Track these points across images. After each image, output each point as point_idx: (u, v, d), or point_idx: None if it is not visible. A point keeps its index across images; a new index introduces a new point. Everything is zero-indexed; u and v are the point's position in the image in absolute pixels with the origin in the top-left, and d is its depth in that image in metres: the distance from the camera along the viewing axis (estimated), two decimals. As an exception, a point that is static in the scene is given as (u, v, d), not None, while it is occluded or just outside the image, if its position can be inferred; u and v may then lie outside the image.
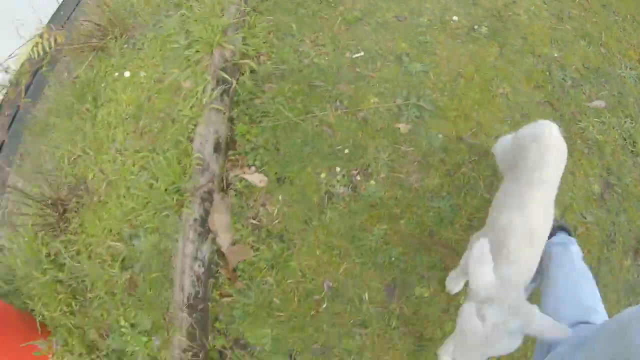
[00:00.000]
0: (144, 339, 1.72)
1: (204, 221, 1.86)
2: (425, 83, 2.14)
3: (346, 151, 1.99)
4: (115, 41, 2.31)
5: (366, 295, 1.79)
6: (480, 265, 1.07)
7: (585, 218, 1.94)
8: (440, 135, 2.04)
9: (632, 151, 2.06)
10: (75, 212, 2.00)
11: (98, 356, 1.75)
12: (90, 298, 1.87)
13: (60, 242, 1.93)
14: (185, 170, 1.88)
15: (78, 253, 1.93)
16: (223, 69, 2.11)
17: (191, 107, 2.03)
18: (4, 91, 2.20)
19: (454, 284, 1.73)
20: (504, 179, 1.43)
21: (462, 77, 2.15)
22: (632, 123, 2.10)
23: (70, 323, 1.80)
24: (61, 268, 1.90)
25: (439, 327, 1.76)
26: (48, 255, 1.91)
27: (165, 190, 1.85)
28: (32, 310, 1.86)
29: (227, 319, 1.82)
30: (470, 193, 1.94)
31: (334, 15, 2.32)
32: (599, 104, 2.11)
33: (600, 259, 1.89)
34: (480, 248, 1.08)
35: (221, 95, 2.06)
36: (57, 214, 1.97)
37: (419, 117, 2.07)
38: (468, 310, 1.08)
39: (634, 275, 1.91)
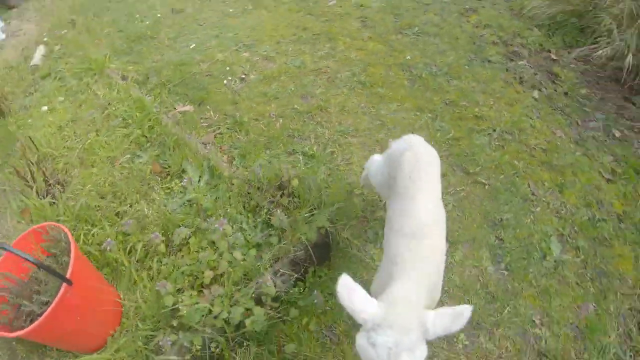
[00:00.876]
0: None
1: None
2: None
3: (227, 68, 3.15)
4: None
5: (296, 106, 2.86)
6: (354, 301, 1.06)
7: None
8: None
9: None
10: (65, 184, 2.29)
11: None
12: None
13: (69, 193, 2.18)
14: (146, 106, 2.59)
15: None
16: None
17: (117, 93, 2.77)
18: None
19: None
20: (388, 206, 1.44)
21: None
22: None
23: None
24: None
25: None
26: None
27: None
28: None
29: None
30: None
31: None
32: None
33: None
34: (343, 284, 1.07)
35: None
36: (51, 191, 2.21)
37: None
38: (360, 341, 1.07)
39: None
